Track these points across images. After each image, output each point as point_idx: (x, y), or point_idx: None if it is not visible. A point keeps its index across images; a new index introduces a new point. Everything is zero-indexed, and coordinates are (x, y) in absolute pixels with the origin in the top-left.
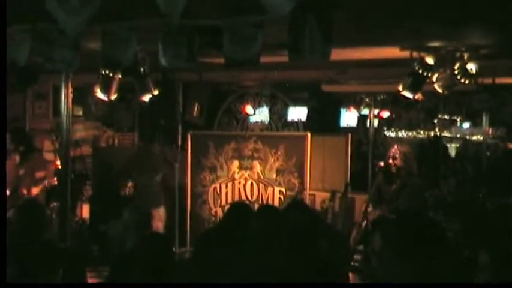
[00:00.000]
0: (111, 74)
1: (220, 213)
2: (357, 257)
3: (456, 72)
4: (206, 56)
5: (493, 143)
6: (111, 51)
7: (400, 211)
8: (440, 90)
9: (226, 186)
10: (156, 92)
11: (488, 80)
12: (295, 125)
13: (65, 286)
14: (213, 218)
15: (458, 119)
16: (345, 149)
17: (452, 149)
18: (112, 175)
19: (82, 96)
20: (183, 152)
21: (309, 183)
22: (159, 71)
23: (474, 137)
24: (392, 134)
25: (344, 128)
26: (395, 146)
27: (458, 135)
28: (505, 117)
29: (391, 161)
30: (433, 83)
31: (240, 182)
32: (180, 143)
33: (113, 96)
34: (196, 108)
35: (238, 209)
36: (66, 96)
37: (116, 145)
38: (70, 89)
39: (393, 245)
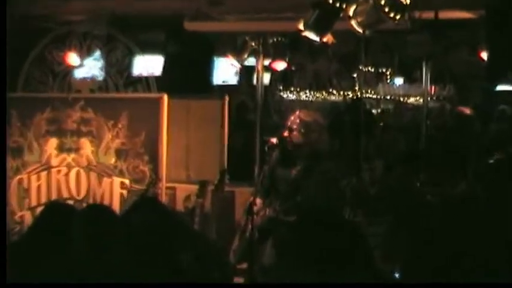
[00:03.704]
0: None
1: (29, 218)
2: (238, 279)
3: (382, 2)
4: None
5: (437, 106)
6: None
7: (302, 211)
8: (359, 30)
9: (39, 178)
10: None
11: (428, 14)
12: (144, 82)
13: (65, 286)
14: (18, 227)
15: (388, 72)
16: (221, 118)
17: (378, 116)
18: None
19: None
20: None
21: (166, 170)
22: None
23: (411, 99)
24: (292, 95)
25: (219, 86)
26: (297, 113)
27: (387, 96)
28: (455, 68)
29: (288, 134)
30: (350, 18)
31: (60, 171)
32: None
33: None
34: None
35: (57, 212)
36: None
37: None
38: None
39: (291, 260)
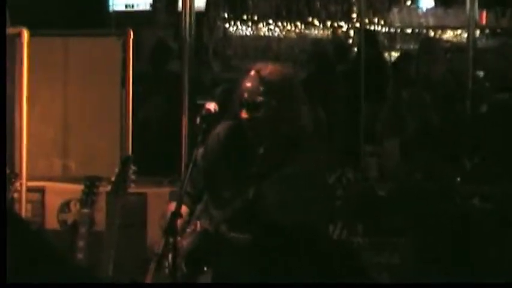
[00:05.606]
0: None
1: None
2: None
3: None
4: None
5: (491, 45)
6: None
7: (262, 222)
8: None
9: None
10: None
11: None
12: None
13: (64, 286)
14: None
15: None
16: (121, 69)
17: (392, 63)
18: None
19: None
20: None
21: (28, 160)
22: None
23: (447, 33)
24: (245, 28)
25: (118, 14)
26: (254, 71)
27: (406, 29)
28: None
29: (245, 100)
30: None
31: None
32: None
33: None
34: None
35: None
36: None
37: None
38: None
39: None
